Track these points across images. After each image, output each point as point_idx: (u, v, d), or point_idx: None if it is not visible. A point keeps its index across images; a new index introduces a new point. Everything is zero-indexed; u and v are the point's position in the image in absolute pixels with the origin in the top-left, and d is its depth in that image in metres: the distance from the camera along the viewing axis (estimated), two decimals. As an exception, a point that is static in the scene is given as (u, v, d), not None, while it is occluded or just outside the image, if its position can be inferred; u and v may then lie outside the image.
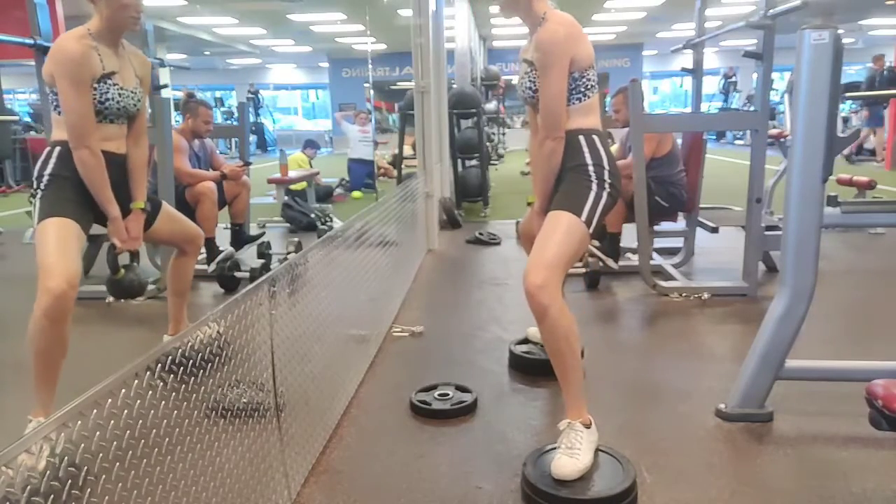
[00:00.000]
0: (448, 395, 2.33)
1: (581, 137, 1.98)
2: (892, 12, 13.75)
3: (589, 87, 1.98)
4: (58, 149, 2.12)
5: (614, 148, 4.44)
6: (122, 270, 2.25)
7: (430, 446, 2.07)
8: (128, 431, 1.10)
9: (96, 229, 2.25)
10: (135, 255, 2.28)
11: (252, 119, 16.94)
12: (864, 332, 3.04)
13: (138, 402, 1.12)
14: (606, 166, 1.97)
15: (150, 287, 2.36)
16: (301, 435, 1.85)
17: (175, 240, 2.51)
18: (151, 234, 2.39)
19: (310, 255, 2.04)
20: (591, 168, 1.95)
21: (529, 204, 2.27)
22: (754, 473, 1.87)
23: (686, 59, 4.27)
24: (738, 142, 15.02)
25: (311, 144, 8.06)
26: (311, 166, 7.41)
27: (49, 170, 2.10)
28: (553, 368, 1.89)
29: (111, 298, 3.61)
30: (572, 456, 1.76)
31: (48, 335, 1.90)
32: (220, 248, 4.16)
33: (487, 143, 8.78)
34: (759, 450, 1.99)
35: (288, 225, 6.09)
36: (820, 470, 1.88)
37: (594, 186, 1.94)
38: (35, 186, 2.11)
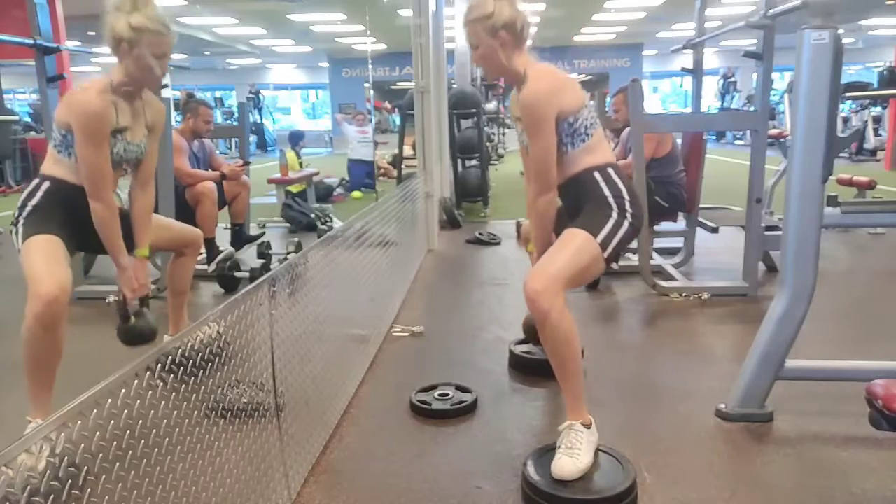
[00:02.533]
0: (448, 395, 2.33)
1: (596, 174, 1.94)
2: (892, 12, 13.75)
3: (588, 126, 1.94)
4: (46, 183, 2.11)
5: (615, 149, 4.44)
6: (133, 318, 2.21)
7: (430, 446, 2.07)
8: (128, 431, 1.10)
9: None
10: (144, 301, 2.24)
11: (252, 119, 16.93)
12: (864, 332, 3.04)
13: (138, 402, 1.12)
14: (627, 197, 1.93)
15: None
16: (301, 435, 1.85)
17: (172, 246, 2.50)
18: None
19: (310, 255, 2.04)
20: (611, 199, 1.92)
21: (530, 252, 2.22)
22: (754, 473, 1.87)
23: (686, 59, 4.27)
24: (738, 142, 15.03)
25: (294, 137, 7.77)
26: (301, 164, 7.34)
27: (34, 201, 2.09)
28: (553, 370, 1.88)
29: (112, 298, 3.62)
30: (572, 456, 1.75)
31: (42, 341, 1.88)
32: (220, 248, 4.16)
33: (487, 143, 8.79)
34: (759, 450, 1.99)
35: (288, 225, 6.09)
36: (820, 470, 1.88)
37: (614, 214, 1.90)
38: (17, 215, 2.08)
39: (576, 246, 1.86)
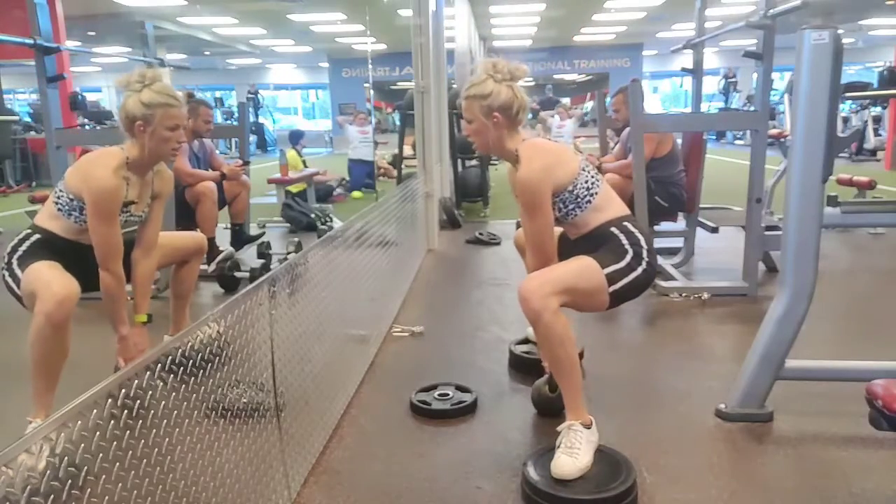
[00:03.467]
0: (448, 395, 2.33)
1: (614, 229, 1.94)
2: (892, 12, 13.75)
3: (590, 186, 1.94)
4: (37, 235, 2.11)
5: (615, 148, 4.44)
6: None
7: (430, 446, 2.07)
8: (128, 431, 1.10)
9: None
10: None
11: (252, 119, 16.94)
12: (864, 332, 3.04)
13: (138, 402, 1.12)
14: (644, 246, 1.92)
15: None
16: (301, 435, 1.85)
17: (178, 259, 2.49)
18: None
19: (310, 255, 2.04)
20: (627, 246, 1.91)
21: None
22: (754, 473, 1.87)
23: (686, 59, 4.27)
24: (738, 142, 15.03)
25: (295, 137, 7.86)
26: (305, 164, 7.36)
27: (24, 247, 2.09)
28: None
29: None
30: (572, 455, 1.76)
31: (50, 341, 1.89)
32: (220, 248, 4.16)
33: (487, 143, 8.76)
34: (759, 450, 1.99)
35: (288, 225, 6.09)
36: (820, 470, 1.88)
37: (629, 258, 1.89)
38: (6, 262, 2.07)
39: (581, 265, 1.87)
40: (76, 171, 2.11)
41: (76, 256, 2.10)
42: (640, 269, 1.89)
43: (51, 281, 1.91)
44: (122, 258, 2.17)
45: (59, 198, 2.12)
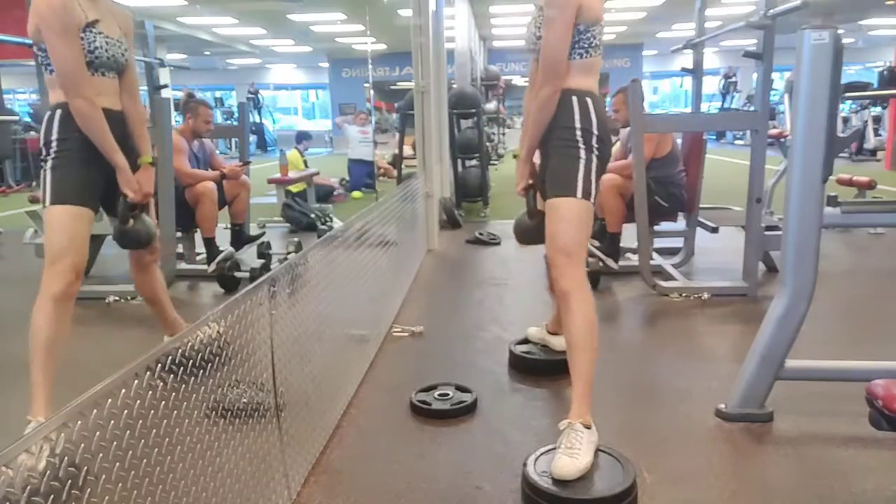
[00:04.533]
0: (448, 395, 2.33)
1: (574, 98, 1.97)
2: (892, 12, 13.75)
3: (592, 44, 1.98)
4: (59, 111, 2.09)
5: (615, 148, 4.44)
6: (132, 220, 2.23)
7: (430, 446, 2.07)
8: (128, 431, 1.10)
9: (97, 228, 2.24)
10: (145, 207, 2.27)
11: (252, 119, 16.93)
12: (864, 332, 3.04)
13: (138, 402, 1.12)
14: (595, 131, 1.96)
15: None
16: (301, 435, 1.85)
17: (132, 260, 2.44)
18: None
19: (310, 255, 2.04)
20: (578, 133, 1.95)
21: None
22: (754, 473, 1.87)
23: (686, 59, 4.27)
24: (738, 142, 15.03)
25: (302, 137, 8.05)
26: (306, 164, 7.37)
27: (55, 134, 2.08)
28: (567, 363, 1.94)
29: (112, 298, 3.63)
30: (572, 456, 1.75)
31: (52, 321, 1.92)
32: (220, 248, 4.16)
33: (487, 143, 8.78)
34: (759, 450, 1.99)
35: (288, 225, 6.09)
36: (820, 470, 1.88)
37: (582, 154, 1.95)
38: (44, 154, 2.08)
39: (566, 217, 1.94)
40: (30, 16, 2.07)
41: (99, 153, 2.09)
42: (594, 159, 1.96)
43: (60, 254, 1.95)
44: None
45: (43, 63, 2.09)
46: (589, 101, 1.98)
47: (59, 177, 2.07)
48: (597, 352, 1.92)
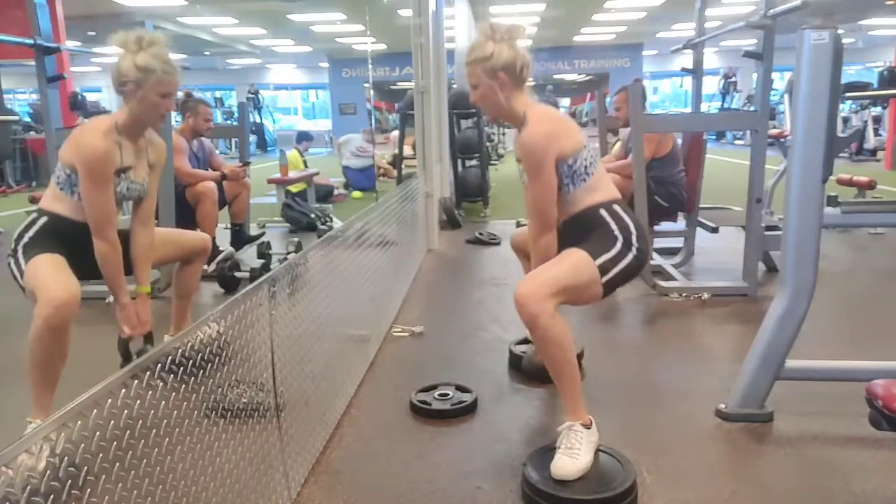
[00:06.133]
0: (448, 395, 2.33)
1: (602, 211, 1.93)
2: (892, 12, 13.75)
3: (588, 165, 1.93)
4: (44, 219, 2.10)
5: (616, 147, 4.44)
6: (136, 357, 2.20)
7: (430, 446, 2.07)
8: (128, 431, 1.10)
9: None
10: (148, 338, 2.23)
11: (252, 119, 16.93)
12: (864, 332, 3.04)
13: (138, 402, 1.12)
14: (633, 231, 1.91)
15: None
16: (301, 435, 1.85)
17: (181, 257, 2.48)
18: (154, 262, 2.38)
19: (310, 255, 2.04)
20: (616, 232, 1.90)
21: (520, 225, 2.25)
22: (754, 473, 1.87)
23: (686, 59, 4.27)
24: (738, 142, 15.02)
25: (303, 137, 8.08)
26: (306, 164, 7.36)
27: (31, 233, 2.08)
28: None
29: (112, 298, 3.62)
30: (572, 456, 1.76)
31: (49, 344, 1.87)
32: (220, 248, 4.16)
33: (487, 143, 8.78)
34: (759, 450, 1.99)
35: (288, 225, 6.09)
36: (820, 470, 1.88)
37: (619, 245, 1.88)
38: (13, 247, 2.05)
39: (573, 261, 1.85)
40: (68, 143, 2.08)
41: (82, 242, 2.07)
42: (630, 256, 1.89)
43: (49, 282, 1.90)
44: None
45: (58, 177, 2.11)
46: (616, 208, 1.94)
47: (31, 246, 2.04)
48: (575, 366, 1.86)
